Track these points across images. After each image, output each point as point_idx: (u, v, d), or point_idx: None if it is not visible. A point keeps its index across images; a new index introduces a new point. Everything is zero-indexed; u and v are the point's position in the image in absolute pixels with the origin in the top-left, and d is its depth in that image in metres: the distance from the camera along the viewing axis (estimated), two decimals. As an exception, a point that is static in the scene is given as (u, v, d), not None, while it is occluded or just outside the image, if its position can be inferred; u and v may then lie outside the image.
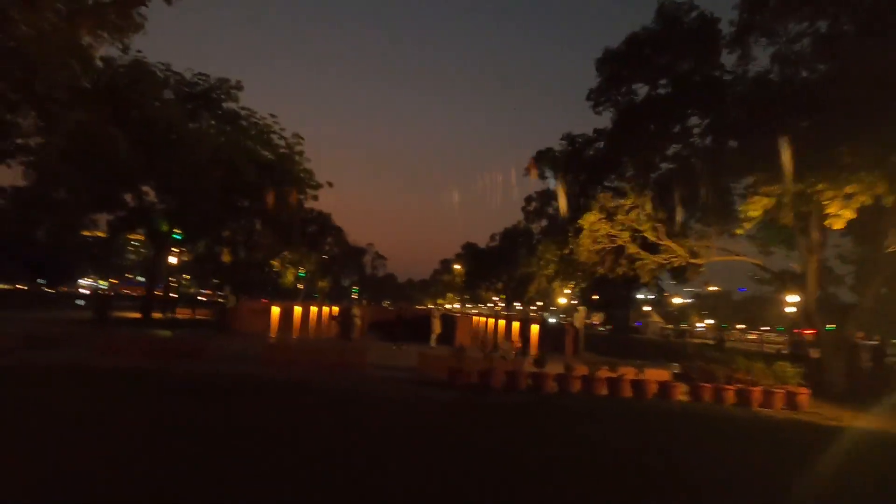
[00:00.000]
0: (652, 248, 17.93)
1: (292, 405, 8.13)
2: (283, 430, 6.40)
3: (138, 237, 49.77)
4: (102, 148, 16.39)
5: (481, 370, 11.17)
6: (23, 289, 52.80)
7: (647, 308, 78.59)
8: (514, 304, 68.23)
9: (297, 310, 25.60)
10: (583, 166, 33.30)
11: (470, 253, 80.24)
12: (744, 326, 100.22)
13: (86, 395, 7.71)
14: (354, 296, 78.54)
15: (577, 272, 30.30)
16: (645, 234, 16.36)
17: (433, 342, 20.46)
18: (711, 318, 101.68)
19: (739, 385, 11.52)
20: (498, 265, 65.74)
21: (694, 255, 17.16)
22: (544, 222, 48.43)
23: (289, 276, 49.73)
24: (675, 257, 16.86)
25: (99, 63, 15.64)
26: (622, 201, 15.86)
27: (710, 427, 8.93)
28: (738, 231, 14.58)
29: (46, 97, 12.77)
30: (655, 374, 12.03)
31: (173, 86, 23.86)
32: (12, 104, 13.16)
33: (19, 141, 15.19)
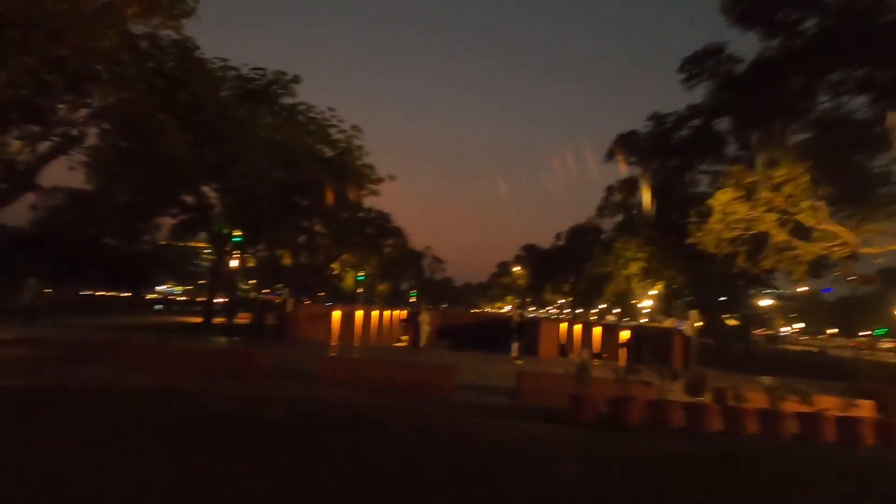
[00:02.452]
0: (802, 234, 14.06)
1: (362, 456, 5.50)
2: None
3: (202, 245, 50.72)
4: (152, 138, 14.91)
5: (613, 398, 8.11)
6: (109, 295, 55.46)
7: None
8: (579, 307, 63.65)
9: (359, 314, 23.59)
10: (672, 149, 29.17)
11: (531, 254, 76.40)
12: (835, 331, 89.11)
13: (81, 435, 5.50)
14: (413, 299, 76.99)
15: (674, 268, 26.24)
16: (799, 217, 12.54)
17: (515, 352, 17.48)
18: (800, 322, 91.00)
19: None
20: (564, 265, 61.56)
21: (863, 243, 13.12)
22: (619, 217, 44.11)
23: (349, 280, 48.53)
24: (839, 246, 12.88)
25: (143, 44, 14.16)
26: (775, 171, 12.13)
27: None
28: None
29: (80, 74, 11.21)
30: (864, 409, 8.43)
31: (231, 80, 22.74)
32: (46, 85, 11.80)
33: (61, 130, 13.96)
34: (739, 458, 6.60)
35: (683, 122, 28.01)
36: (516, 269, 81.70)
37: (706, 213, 13.66)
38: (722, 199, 12.83)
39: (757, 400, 8.27)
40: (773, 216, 12.71)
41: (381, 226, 48.22)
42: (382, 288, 59.06)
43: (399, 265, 61.17)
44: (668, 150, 28.60)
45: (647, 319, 45.42)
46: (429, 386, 9.90)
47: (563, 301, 71.26)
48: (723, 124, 26.70)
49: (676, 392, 8.38)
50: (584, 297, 58.57)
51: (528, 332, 18.76)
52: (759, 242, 14.22)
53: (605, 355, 22.09)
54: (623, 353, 21.86)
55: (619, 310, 60.19)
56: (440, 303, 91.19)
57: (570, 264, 58.91)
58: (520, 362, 15.89)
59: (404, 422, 7.25)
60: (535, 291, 76.07)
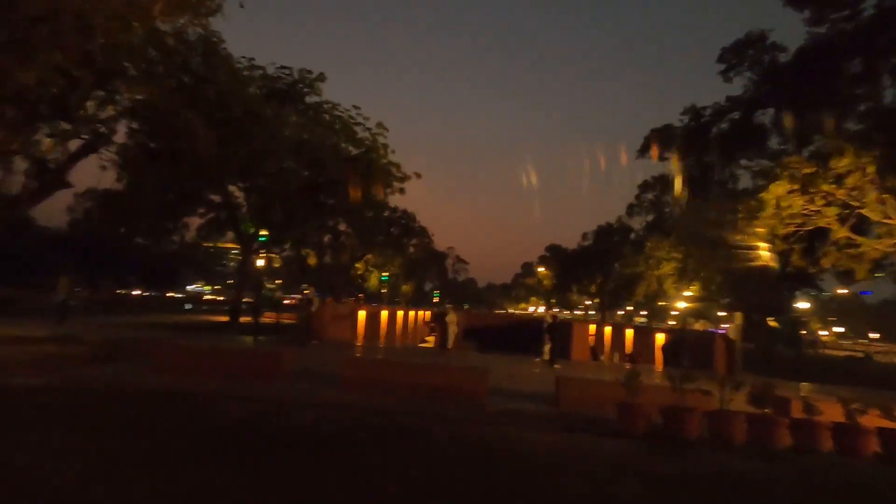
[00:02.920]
0: (861, 230, 12.95)
1: (397, 470, 4.95)
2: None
3: (231, 245, 51.48)
4: (179, 135, 14.79)
5: (667, 409, 7.37)
6: (142, 294, 56.86)
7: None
8: (606, 309, 62.03)
9: (384, 314, 23.22)
10: (710, 144, 27.86)
11: (555, 255, 74.92)
12: (877, 335, 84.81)
13: (87, 440, 5.12)
14: (436, 300, 76.60)
15: (712, 268, 24.95)
16: (864, 212, 11.48)
17: (547, 355, 16.76)
18: (838, 326, 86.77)
19: None
20: (591, 266, 60.08)
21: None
22: (651, 216, 42.73)
23: (373, 280, 48.43)
24: (909, 242, 11.75)
25: (169, 40, 14.04)
26: (837, 162, 11.09)
27: None
28: None
29: (108, 70, 11.07)
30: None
31: (257, 79, 22.71)
32: (75, 81, 11.73)
33: (90, 127, 13.95)
34: (826, 481, 5.81)
35: (722, 115, 26.74)
36: (541, 269, 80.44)
37: (756, 208, 12.69)
38: (776, 191, 11.84)
39: (829, 412, 7.41)
40: (833, 210, 11.69)
41: (406, 225, 47.97)
42: (406, 288, 58.82)
43: (423, 265, 60.83)
44: (705, 145, 27.35)
45: (674, 322, 43.70)
46: (460, 390, 9.32)
47: (590, 302, 69.71)
48: (765, 116, 25.38)
49: (737, 402, 7.58)
50: (612, 299, 57.05)
51: (560, 333, 18.00)
52: (813, 239, 13.19)
53: (638, 359, 21.10)
54: (660, 356, 20.84)
55: (646, 312, 58.33)
56: (463, 303, 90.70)
57: (598, 265, 57.45)
58: (558, 366, 15.21)
59: (440, 431, 6.68)
60: (560, 292, 74.66)
